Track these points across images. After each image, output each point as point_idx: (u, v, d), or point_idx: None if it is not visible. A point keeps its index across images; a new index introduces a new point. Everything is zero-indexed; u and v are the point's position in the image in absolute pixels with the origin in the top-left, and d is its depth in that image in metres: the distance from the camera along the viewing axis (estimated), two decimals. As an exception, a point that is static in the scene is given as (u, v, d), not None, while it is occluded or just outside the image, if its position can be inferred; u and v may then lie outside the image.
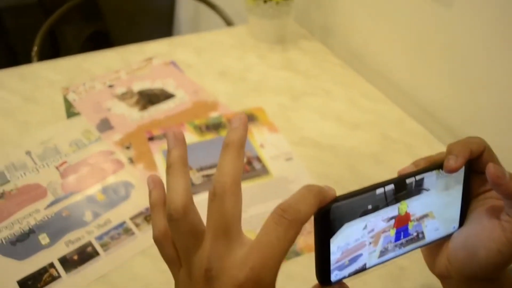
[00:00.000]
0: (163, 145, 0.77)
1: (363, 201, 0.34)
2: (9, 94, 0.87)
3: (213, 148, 0.78)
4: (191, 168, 0.74)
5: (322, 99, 0.92)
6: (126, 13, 1.79)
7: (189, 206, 0.32)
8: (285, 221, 0.29)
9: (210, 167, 0.74)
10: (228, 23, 1.33)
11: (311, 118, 0.87)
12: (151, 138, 0.79)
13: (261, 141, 0.80)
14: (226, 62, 1.01)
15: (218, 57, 1.03)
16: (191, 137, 0.79)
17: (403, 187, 0.37)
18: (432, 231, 0.40)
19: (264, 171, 0.75)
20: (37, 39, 1.21)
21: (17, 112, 0.83)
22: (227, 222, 0.31)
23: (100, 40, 2.05)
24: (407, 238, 0.38)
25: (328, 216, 0.32)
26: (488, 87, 0.76)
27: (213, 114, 0.85)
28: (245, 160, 0.75)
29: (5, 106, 0.84)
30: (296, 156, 0.78)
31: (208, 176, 0.73)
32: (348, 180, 0.75)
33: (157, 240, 0.35)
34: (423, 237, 0.39)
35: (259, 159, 0.77)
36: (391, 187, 0.36)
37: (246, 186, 0.71)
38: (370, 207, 0.35)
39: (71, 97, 0.87)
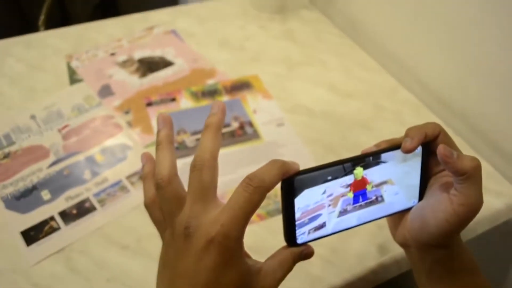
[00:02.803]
0: (159, 110, 0.81)
1: (323, 174, 0.39)
2: (16, 62, 0.91)
3: (207, 114, 0.81)
4: (186, 132, 0.77)
5: (317, 69, 0.94)
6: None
7: (174, 176, 0.38)
8: (251, 188, 0.35)
9: (204, 131, 0.78)
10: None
11: (305, 87, 0.90)
12: (149, 104, 0.82)
13: (254, 107, 0.83)
14: (227, 32, 1.04)
15: (220, 27, 1.05)
16: (187, 103, 0.83)
17: (361, 162, 0.41)
18: (391, 195, 0.43)
19: (255, 135, 0.78)
20: (44, 8, 1.25)
21: (23, 79, 0.87)
22: (204, 189, 0.36)
23: (109, 6, 2.10)
24: (366, 201, 0.42)
25: (292, 185, 0.37)
26: (481, 59, 0.77)
27: (210, 81, 0.88)
28: (236, 125, 0.79)
29: (12, 73, 0.89)
30: (288, 122, 0.81)
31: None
32: (338, 145, 0.78)
33: (147, 206, 0.41)
34: (382, 200, 0.43)
35: (251, 124, 0.80)
36: (350, 163, 0.40)
37: (237, 149, 0.74)
38: (329, 178, 0.39)
39: (74, 64, 0.90)
